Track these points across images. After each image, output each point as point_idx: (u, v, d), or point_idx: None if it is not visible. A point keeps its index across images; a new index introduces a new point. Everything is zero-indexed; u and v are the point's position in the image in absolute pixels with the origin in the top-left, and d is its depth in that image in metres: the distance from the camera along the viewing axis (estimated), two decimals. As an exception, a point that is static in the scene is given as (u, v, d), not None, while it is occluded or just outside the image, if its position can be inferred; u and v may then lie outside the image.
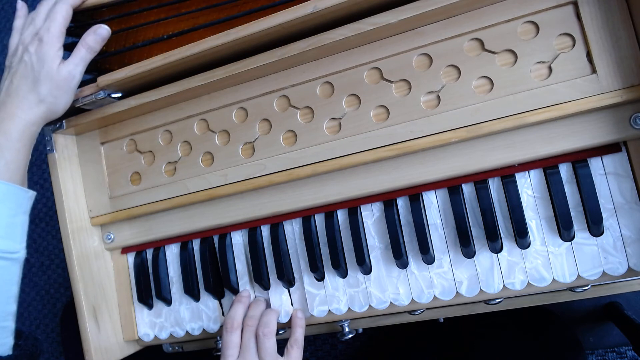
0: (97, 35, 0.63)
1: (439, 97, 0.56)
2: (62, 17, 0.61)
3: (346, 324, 0.65)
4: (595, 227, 0.52)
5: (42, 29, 0.61)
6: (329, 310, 0.63)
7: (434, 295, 0.58)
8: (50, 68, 0.59)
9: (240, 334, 0.62)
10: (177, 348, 0.80)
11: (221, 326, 0.69)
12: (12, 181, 0.58)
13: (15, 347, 0.59)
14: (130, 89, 0.65)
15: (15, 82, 0.60)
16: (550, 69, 0.52)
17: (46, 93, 0.60)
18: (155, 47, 0.66)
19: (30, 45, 0.60)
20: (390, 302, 0.60)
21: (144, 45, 0.66)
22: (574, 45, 0.51)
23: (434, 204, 0.58)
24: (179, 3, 0.64)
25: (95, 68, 0.70)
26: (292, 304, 0.65)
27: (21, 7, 0.66)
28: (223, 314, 0.69)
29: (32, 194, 0.61)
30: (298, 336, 0.63)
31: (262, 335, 0.60)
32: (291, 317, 0.65)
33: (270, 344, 0.60)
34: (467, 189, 0.57)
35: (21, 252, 0.59)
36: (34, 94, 0.60)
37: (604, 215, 0.52)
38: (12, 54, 0.63)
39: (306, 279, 0.64)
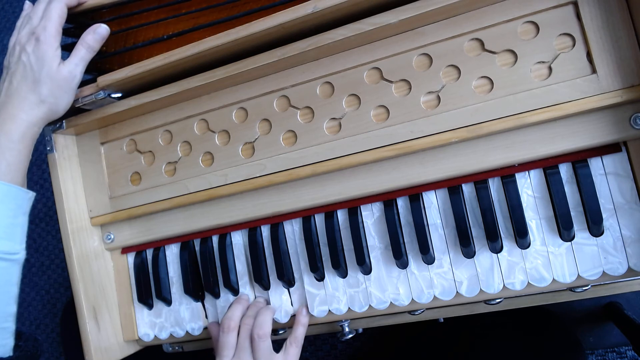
0: (97, 34, 0.63)
1: (439, 97, 0.56)
2: (57, 15, 0.61)
3: (346, 324, 0.65)
4: (595, 227, 0.52)
5: (38, 28, 0.60)
6: (329, 310, 0.63)
7: (434, 295, 0.58)
8: (50, 68, 0.59)
9: (236, 335, 0.62)
10: (177, 348, 0.80)
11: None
12: (13, 182, 0.58)
13: (15, 348, 0.58)
14: (130, 89, 0.65)
15: (15, 83, 0.60)
16: (550, 69, 0.52)
17: (47, 93, 0.60)
18: (155, 47, 0.66)
19: (27, 44, 0.60)
20: (390, 302, 0.60)
21: (144, 45, 0.66)
22: (574, 45, 0.51)
23: (434, 204, 0.58)
24: (179, 3, 0.64)
25: (95, 68, 0.70)
26: (292, 304, 0.65)
27: (27, 7, 0.65)
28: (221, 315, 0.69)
29: (32, 194, 0.61)
30: (298, 334, 0.63)
31: (257, 337, 0.60)
32: (295, 314, 0.64)
33: (264, 345, 0.60)
34: (467, 189, 0.57)
35: (21, 253, 0.59)
36: (35, 95, 0.60)
37: (604, 215, 0.52)
38: (9, 54, 0.62)
39: (306, 279, 0.64)
